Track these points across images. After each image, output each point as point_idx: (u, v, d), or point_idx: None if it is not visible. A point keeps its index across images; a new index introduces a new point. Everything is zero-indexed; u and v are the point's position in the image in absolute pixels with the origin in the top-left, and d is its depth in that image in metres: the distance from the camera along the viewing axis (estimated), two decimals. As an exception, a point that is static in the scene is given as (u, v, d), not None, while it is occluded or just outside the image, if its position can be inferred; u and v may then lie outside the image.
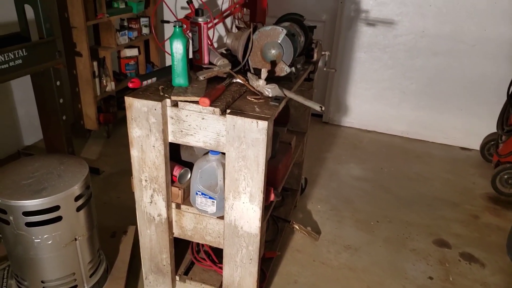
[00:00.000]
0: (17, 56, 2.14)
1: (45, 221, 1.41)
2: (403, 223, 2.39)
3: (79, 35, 2.71)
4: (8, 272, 1.69)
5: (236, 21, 3.27)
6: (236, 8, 2.77)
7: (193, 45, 1.55)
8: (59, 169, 1.52)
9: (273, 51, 1.51)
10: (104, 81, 3.02)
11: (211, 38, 3.17)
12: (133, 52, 3.34)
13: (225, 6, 3.55)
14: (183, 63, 1.38)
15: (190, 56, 1.52)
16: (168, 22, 3.11)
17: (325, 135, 3.51)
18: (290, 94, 1.43)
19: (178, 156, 1.65)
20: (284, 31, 1.47)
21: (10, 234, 1.42)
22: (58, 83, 2.49)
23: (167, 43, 1.53)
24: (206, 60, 1.59)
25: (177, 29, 1.35)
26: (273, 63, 1.54)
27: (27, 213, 1.37)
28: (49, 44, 2.34)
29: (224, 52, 1.77)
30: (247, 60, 1.56)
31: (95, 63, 2.89)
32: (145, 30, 3.41)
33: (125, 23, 3.30)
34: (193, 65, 1.59)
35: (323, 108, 1.38)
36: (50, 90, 2.48)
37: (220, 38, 3.75)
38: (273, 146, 1.50)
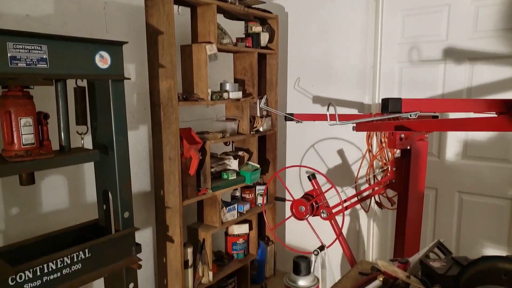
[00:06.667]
0: (76, 259, 1.62)
1: None
2: None
3: (173, 217, 2.17)
4: None
5: (378, 197, 2.37)
6: (379, 189, 1.92)
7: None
8: None
9: None
10: (200, 271, 2.35)
11: (340, 225, 2.00)
12: (243, 229, 2.68)
13: (361, 181, 2.67)
14: None
15: None
16: (283, 200, 2.41)
17: None
18: None
19: None
20: None
21: None
22: (131, 286, 1.88)
23: None
24: None
25: None
26: None
27: None
28: (125, 238, 1.81)
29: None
30: None
31: (189, 250, 2.27)
32: (260, 200, 2.80)
33: (237, 193, 2.75)
34: None
35: None
36: (121, 295, 1.88)
37: (351, 225, 2.81)
38: None
